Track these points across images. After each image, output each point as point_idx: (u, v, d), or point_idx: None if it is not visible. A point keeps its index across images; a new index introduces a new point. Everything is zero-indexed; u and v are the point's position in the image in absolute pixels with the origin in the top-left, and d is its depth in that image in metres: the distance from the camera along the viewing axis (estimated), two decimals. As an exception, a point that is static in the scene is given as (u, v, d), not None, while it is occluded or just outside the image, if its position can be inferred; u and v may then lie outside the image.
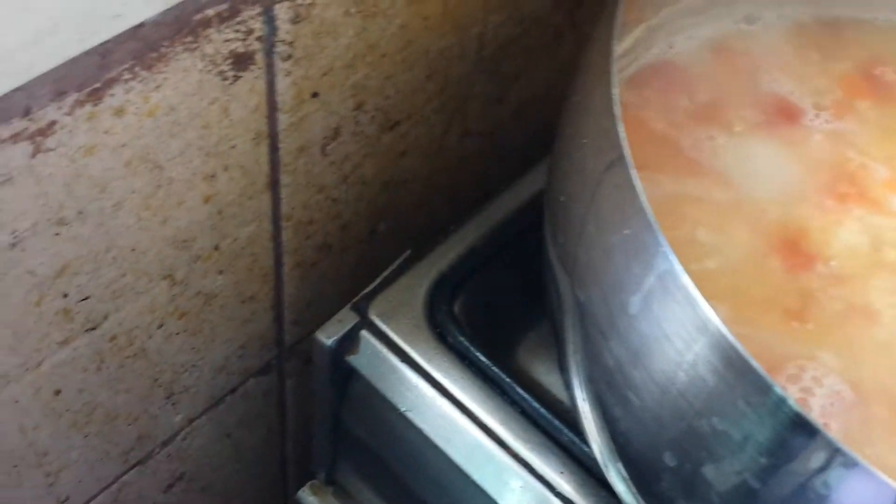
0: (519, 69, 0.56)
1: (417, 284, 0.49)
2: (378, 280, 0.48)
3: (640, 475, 0.34)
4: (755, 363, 0.27)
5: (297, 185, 0.46)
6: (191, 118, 0.38)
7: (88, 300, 0.40)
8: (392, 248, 0.57)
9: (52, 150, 0.33)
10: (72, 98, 0.33)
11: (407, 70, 0.47)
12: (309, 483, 0.57)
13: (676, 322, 0.29)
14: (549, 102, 0.61)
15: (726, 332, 0.27)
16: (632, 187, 0.30)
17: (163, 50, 0.34)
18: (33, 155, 0.33)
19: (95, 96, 0.33)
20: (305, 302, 0.54)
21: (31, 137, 0.32)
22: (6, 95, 0.31)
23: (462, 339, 0.46)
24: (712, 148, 0.39)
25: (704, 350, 0.28)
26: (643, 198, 0.29)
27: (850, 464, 0.26)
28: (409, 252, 0.50)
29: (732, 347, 0.27)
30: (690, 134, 0.38)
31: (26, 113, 0.32)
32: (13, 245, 0.35)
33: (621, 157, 0.31)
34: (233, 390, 0.55)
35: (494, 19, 0.50)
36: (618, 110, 0.31)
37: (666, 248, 0.28)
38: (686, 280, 0.28)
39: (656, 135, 0.38)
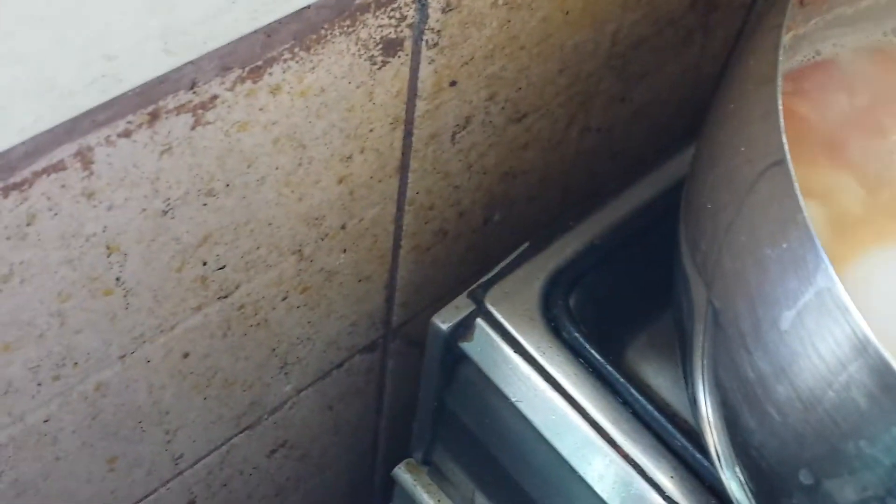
0: (645, 69, 0.55)
1: (534, 276, 0.49)
2: (495, 270, 0.49)
3: (768, 489, 0.34)
4: (915, 390, 0.26)
5: (424, 171, 0.47)
6: (338, 100, 0.38)
7: (224, 269, 0.41)
8: (502, 238, 0.58)
9: (210, 123, 0.34)
10: (235, 74, 0.34)
11: (542, 63, 0.47)
12: (405, 461, 0.58)
13: (832, 341, 0.28)
14: (669, 105, 0.61)
15: (887, 355, 0.27)
16: (794, 198, 0.30)
17: (322, 32, 0.35)
18: (193, 127, 0.34)
19: (256, 74, 0.34)
20: (416, 285, 0.55)
21: (193, 110, 0.33)
22: (178, 68, 0.31)
23: (577, 334, 0.47)
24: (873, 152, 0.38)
25: (860, 372, 0.28)
26: (805, 211, 0.29)
27: None
28: (527, 244, 0.50)
29: (892, 372, 0.27)
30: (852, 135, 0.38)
31: (192, 86, 0.33)
32: (165, 212, 0.36)
33: (782, 160, 0.30)
34: (339, 365, 0.56)
35: (631, 17, 0.49)
36: (781, 117, 0.31)
37: (827, 264, 0.28)
38: (847, 299, 0.28)
39: (816, 134, 0.37)
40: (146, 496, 0.50)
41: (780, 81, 0.31)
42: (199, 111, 0.34)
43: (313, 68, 0.36)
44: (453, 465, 0.57)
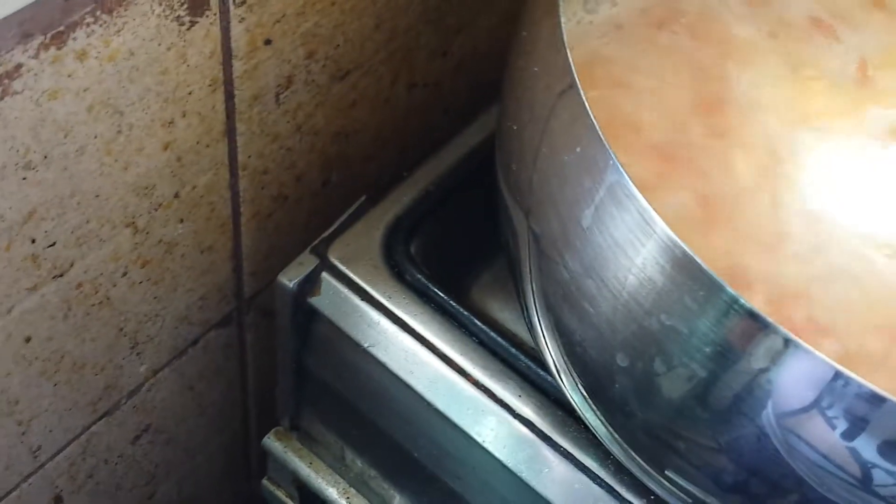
0: (461, 22, 0.58)
1: (374, 227, 0.50)
2: (336, 224, 0.50)
3: (594, 381, 0.37)
4: (699, 259, 0.29)
5: (252, 134, 0.47)
6: (149, 63, 0.39)
7: (55, 246, 0.41)
8: (344, 199, 0.59)
9: (18, 93, 0.34)
10: (37, 41, 0.34)
11: (356, 19, 0.48)
12: (273, 430, 0.59)
13: (626, 229, 0.31)
14: (491, 58, 0.63)
15: (670, 232, 0.29)
16: (584, 110, 0.32)
17: (123, -7, 0.35)
18: (1, 97, 0.34)
19: (59, 39, 0.34)
20: (263, 254, 0.55)
21: (-2, 80, 0.33)
22: (-26, 37, 0.31)
23: (420, 276, 0.48)
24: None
25: (652, 252, 0.30)
26: (592, 116, 0.31)
27: (783, 342, 0.29)
28: (364, 198, 0.51)
29: (677, 246, 0.29)
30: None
31: (-7, 55, 0.33)
32: (-18, 189, 0.36)
33: (573, 84, 0.33)
34: (194, 342, 0.56)
35: (437, -31, 0.51)
36: (566, 39, 0.33)
37: (614, 160, 0.31)
38: (633, 189, 0.30)
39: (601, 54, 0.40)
40: (8, 493, 0.49)
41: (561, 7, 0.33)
42: (6, 81, 0.34)
43: (119, 31, 0.36)
44: (321, 425, 0.58)
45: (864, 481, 0.33)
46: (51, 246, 0.40)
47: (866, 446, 0.32)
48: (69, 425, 0.50)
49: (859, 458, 0.32)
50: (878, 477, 0.32)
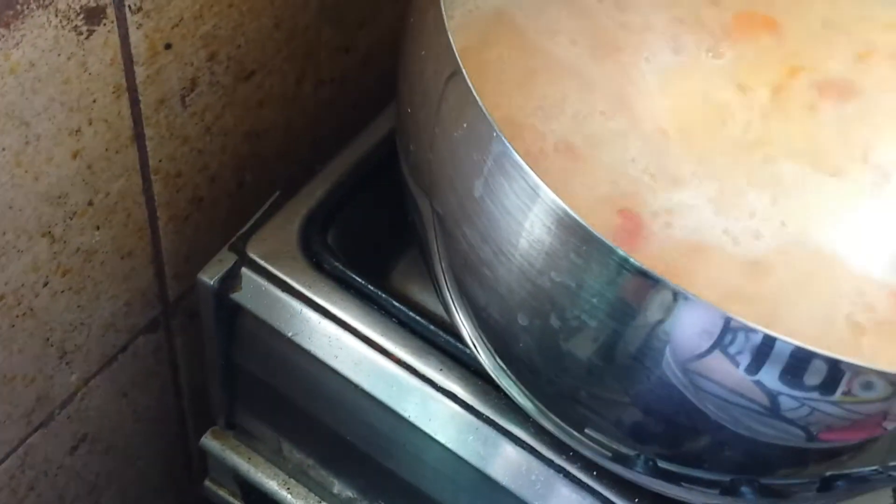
0: (362, 18, 0.59)
1: (290, 221, 0.52)
2: (252, 220, 0.51)
3: (502, 344, 0.39)
4: (581, 219, 0.31)
5: (162, 138, 0.49)
6: (51, 74, 0.40)
7: (-29, 260, 0.41)
8: (260, 198, 0.60)
9: (-81, 110, 0.35)
10: (-66, 57, 0.34)
11: (255, 19, 0.49)
12: (210, 429, 0.60)
13: (514, 195, 0.33)
14: (396, 50, 0.65)
15: (553, 195, 0.32)
16: (469, 92, 0.34)
17: (18, 8, 0.36)
18: None
19: (-43, 55, 0.35)
20: (183, 256, 0.56)
21: None
22: None
23: (338, 264, 0.50)
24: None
25: (539, 214, 0.32)
26: (475, 92, 0.33)
27: (673, 295, 0.31)
28: (278, 193, 0.53)
29: (560, 207, 0.32)
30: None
31: None
32: None
33: (458, 71, 0.35)
34: (123, 348, 0.57)
35: (332, -33, 0.53)
36: (449, 24, 0.35)
37: (498, 132, 0.33)
38: (516, 157, 0.32)
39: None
40: (-55, 512, 0.50)
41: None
42: None
43: (17, 44, 0.37)
44: (255, 421, 0.59)
45: (773, 409, 0.35)
46: (-33, 260, 0.41)
47: (769, 377, 0.34)
48: (5, 438, 0.51)
49: (765, 389, 0.34)
50: (785, 403, 0.34)
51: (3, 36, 0.37)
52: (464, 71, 0.35)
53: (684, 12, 0.46)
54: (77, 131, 0.43)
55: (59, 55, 0.39)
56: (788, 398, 0.34)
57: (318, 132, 0.61)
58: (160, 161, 0.49)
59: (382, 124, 0.57)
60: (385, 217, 0.55)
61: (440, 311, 0.51)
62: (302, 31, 0.54)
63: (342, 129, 0.64)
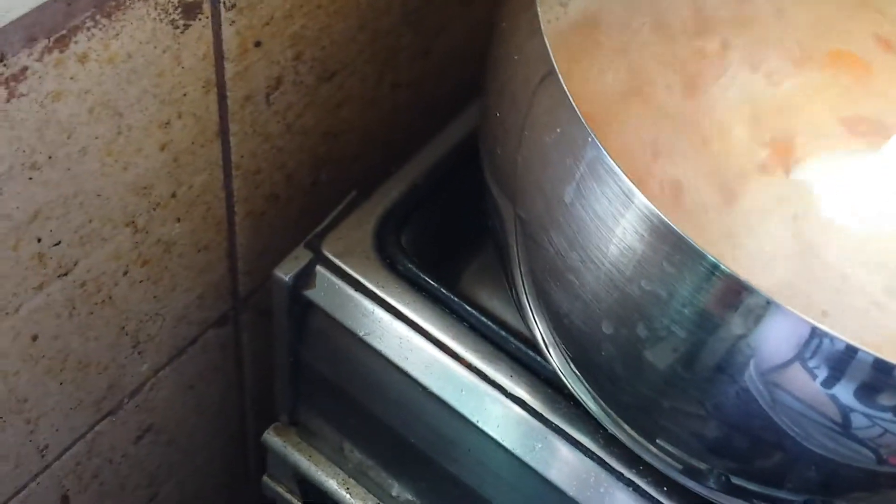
0: (441, 23, 0.60)
1: (366, 221, 0.52)
2: (328, 219, 0.52)
3: (581, 352, 0.38)
4: (674, 225, 0.31)
5: (245, 134, 0.49)
6: (146, 66, 0.40)
7: (60, 245, 0.42)
8: (334, 198, 0.61)
9: (24, 95, 0.36)
10: (41, 44, 0.35)
11: (341, 21, 0.50)
12: (272, 425, 0.60)
13: (606, 201, 0.33)
14: (470, 57, 0.65)
15: (647, 201, 0.31)
16: (563, 94, 0.34)
17: (120, -1, 0.37)
18: (8, 100, 0.36)
19: (62, 43, 0.36)
20: (256, 252, 0.57)
21: (6, 83, 0.35)
22: (-17, 41, 0.33)
23: (411, 266, 0.50)
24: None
25: (631, 221, 0.32)
26: (570, 96, 0.33)
27: (764, 303, 0.31)
28: (354, 193, 0.53)
29: (654, 215, 0.31)
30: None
31: (1, 59, 0.34)
32: (-9, 189, 0.37)
33: (552, 71, 0.35)
34: (193, 341, 0.57)
35: (417, -29, 0.53)
36: (544, 27, 0.35)
37: (593, 136, 0.33)
38: (611, 161, 0.32)
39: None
40: (17, 492, 0.50)
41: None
42: (12, 83, 0.35)
43: (117, 35, 0.38)
44: (319, 419, 0.59)
45: (845, 426, 0.35)
46: (56, 245, 0.42)
47: (844, 392, 0.33)
48: (75, 424, 0.51)
49: (839, 404, 0.34)
50: (857, 421, 0.34)
51: (105, 26, 0.37)
52: (559, 73, 0.35)
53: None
54: (167, 124, 0.43)
55: (155, 48, 0.40)
56: (861, 416, 0.34)
57: (393, 135, 0.62)
58: (242, 157, 0.50)
59: (457, 129, 0.58)
60: (458, 221, 0.56)
61: (509, 317, 0.51)
62: (384, 34, 0.54)
63: (416, 133, 0.64)
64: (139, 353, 0.53)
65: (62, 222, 0.42)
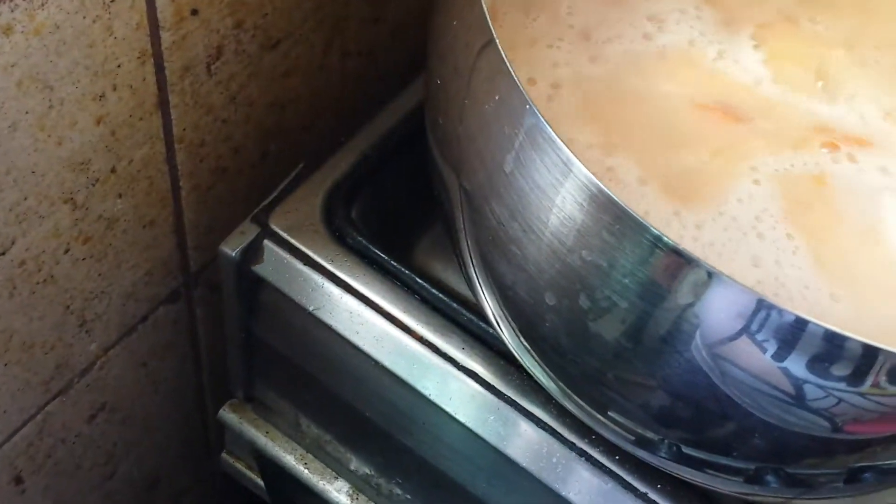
0: (392, -11, 0.58)
1: (313, 194, 0.51)
2: (275, 192, 0.51)
3: (527, 323, 0.38)
4: (613, 195, 0.30)
5: (186, 106, 0.48)
6: (76, 36, 0.39)
7: (-7, 224, 0.41)
8: (284, 170, 0.59)
9: (-57, 69, 0.35)
10: (-42, 16, 0.34)
11: (283, -13, 0.49)
12: (228, 402, 0.60)
13: (545, 170, 0.32)
14: (423, 26, 0.64)
15: (586, 171, 0.31)
16: (501, 61, 0.33)
17: (43, -33, 0.36)
18: (-74, 75, 0.34)
19: (-18, 14, 0.35)
20: (205, 227, 0.56)
21: (-79, 57, 0.34)
22: None
23: (360, 239, 0.49)
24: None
25: (571, 190, 0.31)
26: (508, 62, 0.32)
27: (707, 275, 0.30)
28: (302, 165, 0.52)
29: (593, 183, 0.31)
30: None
31: (-85, 32, 0.33)
32: (-86, 168, 0.36)
33: (491, 41, 0.34)
34: (143, 319, 0.56)
35: (362, -65, 0.52)
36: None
37: (531, 104, 0.32)
38: (549, 130, 0.31)
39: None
40: (-37, 476, 0.50)
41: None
42: (-71, 58, 0.34)
43: (43, 5, 0.37)
44: (274, 394, 0.58)
45: (799, 398, 0.34)
46: (-11, 224, 0.41)
47: (796, 365, 0.33)
48: (24, 405, 0.50)
49: (791, 377, 0.34)
50: (811, 392, 0.34)
51: (29, -4, 0.36)
52: (497, 41, 0.34)
53: None
54: (101, 96, 0.42)
55: (84, 17, 0.39)
56: (815, 387, 0.34)
57: (343, 105, 0.61)
58: (184, 130, 0.49)
59: (409, 98, 0.56)
60: (409, 193, 0.55)
61: (463, 289, 0.51)
62: (330, 1, 0.53)
63: (368, 103, 0.63)
64: (86, 331, 0.52)
65: (-6, 200, 0.40)
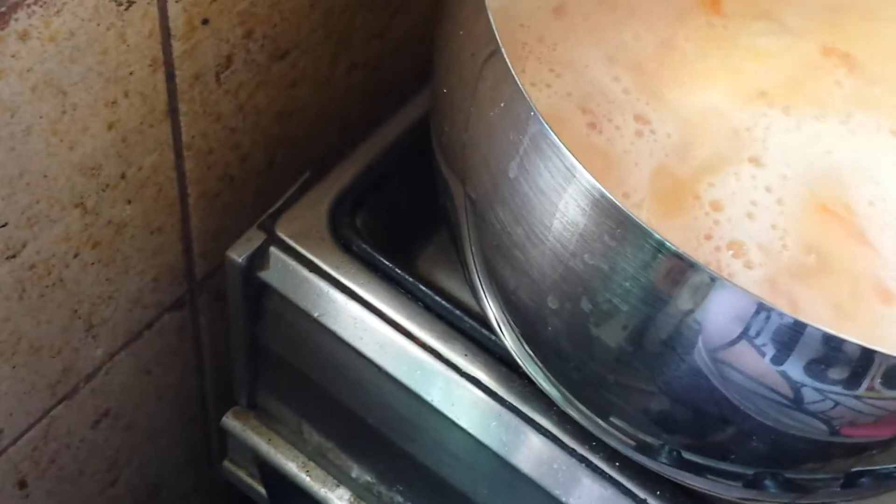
0: (398, 4, 0.59)
1: (319, 202, 0.52)
2: (282, 200, 0.51)
3: (530, 328, 0.39)
4: (616, 200, 0.31)
5: (195, 114, 0.49)
6: (89, 43, 0.40)
7: (7, 227, 0.42)
8: (290, 179, 0.60)
9: (-38, 73, 0.35)
10: (-22, 22, 0.35)
11: (291, -1, 0.50)
12: (231, 409, 0.60)
13: (549, 175, 0.33)
14: (428, 39, 0.65)
15: (589, 175, 0.31)
16: (508, 72, 0.34)
17: (60, -25, 0.37)
18: (-55, 78, 0.35)
19: (2, 21, 0.36)
20: (211, 234, 0.57)
21: (-59, 60, 0.34)
22: (-84, 17, 0.32)
23: (365, 246, 0.50)
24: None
25: (574, 195, 0.32)
26: (513, 70, 0.33)
27: (708, 279, 0.31)
28: (308, 173, 0.53)
29: (595, 188, 0.31)
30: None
31: (-65, 36, 0.34)
32: (-70, 170, 0.37)
33: (497, 50, 0.35)
34: (149, 325, 0.57)
35: (370, -51, 0.53)
36: (489, 3, 0.35)
37: (535, 111, 0.33)
38: (553, 137, 0.32)
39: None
40: (-31, 478, 0.50)
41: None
42: (-51, 62, 0.35)
43: (58, 12, 0.38)
44: (277, 401, 0.59)
45: (796, 401, 0.35)
46: (2, 226, 0.42)
47: (794, 368, 0.34)
48: (29, 408, 0.51)
49: (789, 380, 0.34)
50: (808, 395, 0.34)
51: (46, 3, 0.37)
52: (503, 50, 0.34)
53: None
54: (113, 103, 0.43)
55: (98, 25, 0.40)
56: (812, 391, 0.34)
57: (348, 116, 0.61)
58: (193, 137, 0.49)
59: (413, 110, 0.57)
60: (413, 202, 0.55)
61: (465, 297, 0.51)
62: (337, 13, 0.54)
63: (373, 114, 0.64)
64: (93, 336, 0.52)
65: (8, 203, 0.41)
